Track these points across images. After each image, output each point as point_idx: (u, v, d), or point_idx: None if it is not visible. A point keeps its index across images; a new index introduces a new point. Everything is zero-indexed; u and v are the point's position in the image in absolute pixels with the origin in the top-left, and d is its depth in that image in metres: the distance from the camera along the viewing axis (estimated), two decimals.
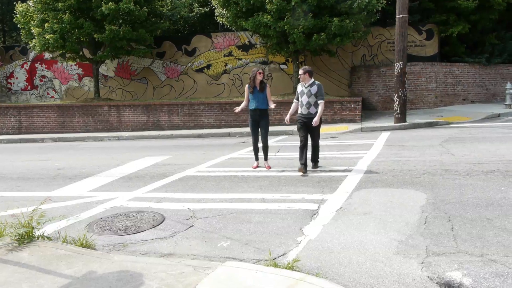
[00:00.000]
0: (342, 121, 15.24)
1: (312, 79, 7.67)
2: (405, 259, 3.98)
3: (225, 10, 16.40)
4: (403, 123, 13.52)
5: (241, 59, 20.42)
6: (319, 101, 7.54)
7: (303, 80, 7.63)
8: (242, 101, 8.88)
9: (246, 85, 8.24)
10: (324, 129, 13.76)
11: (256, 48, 20.15)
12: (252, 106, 8.15)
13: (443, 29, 18.05)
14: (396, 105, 13.59)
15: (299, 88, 7.80)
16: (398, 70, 13.46)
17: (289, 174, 7.69)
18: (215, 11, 17.44)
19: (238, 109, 8.51)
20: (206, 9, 21.63)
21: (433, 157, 8.40)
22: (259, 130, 8.27)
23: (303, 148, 7.69)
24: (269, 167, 8.22)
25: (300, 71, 7.63)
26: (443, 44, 19.13)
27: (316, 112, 7.53)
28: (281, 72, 20.08)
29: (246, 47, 20.34)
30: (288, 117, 7.95)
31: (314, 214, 5.40)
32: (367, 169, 7.69)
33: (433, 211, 5.22)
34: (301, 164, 7.67)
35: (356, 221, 5.06)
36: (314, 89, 7.57)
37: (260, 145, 8.43)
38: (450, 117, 14.72)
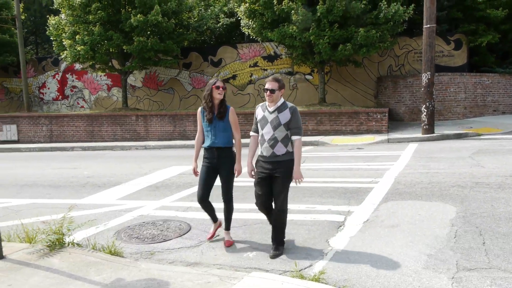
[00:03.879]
0: (368, 132, 15.09)
1: (282, 99, 4.61)
2: (435, 273, 3.89)
3: (251, 21, 16.56)
4: (431, 134, 13.28)
5: (266, 70, 20.52)
6: (294, 137, 4.53)
7: (272, 100, 4.55)
8: None
9: (199, 109, 5.02)
10: (350, 140, 13.67)
11: (281, 58, 20.24)
12: (207, 142, 4.94)
13: (472, 39, 17.73)
14: (424, 116, 13.37)
15: (259, 112, 4.72)
16: (425, 81, 13.27)
17: (315, 185, 7.64)
18: (241, 22, 17.63)
19: (198, 170, 5.13)
20: (232, 20, 21.88)
21: (463, 169, 8.22)
22: (218, 182, 5.02)
23: (262, 209, 4.88)
24: (231, 243, 4.97)
25: (270, 84, 4.52)
26: (472, 54, 18.78)
27: (287, 153, 4.55)
28: (307, 82, 20.07)
29: (271, 58, 20.45)
30: (250, 162, 4.87)
31: (341, 226, 5.35)
32: (394, 180, 7.58)
33: (464, 224, 5.10)
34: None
35: (384, 233, 4.98)
36: (285, 116, 4.50)
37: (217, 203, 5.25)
38: (480, 128, 14.38)
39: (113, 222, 6.02)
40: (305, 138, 14.45)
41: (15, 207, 7.20)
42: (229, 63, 20.98)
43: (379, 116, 15.11)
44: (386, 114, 15.12)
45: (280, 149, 4.54)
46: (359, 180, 7.82)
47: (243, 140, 5.69)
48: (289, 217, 5.78)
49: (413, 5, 15.47)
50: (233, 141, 4.98)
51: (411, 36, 18.66)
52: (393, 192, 6.83)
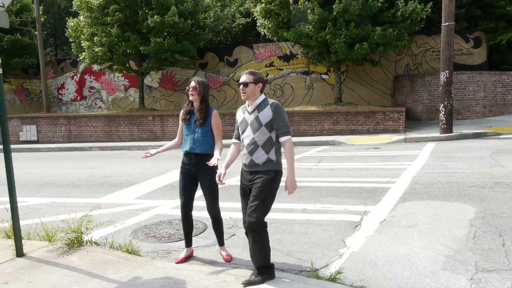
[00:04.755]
0: (385, 131, 14.95)
1: (263, 96, 3.87)
2: (453, 274, 3.84)
3: (267, 21, 16.56)
4: (450, 134, 13.09)
5: (282, 70, 20.50)
6: (284, 138, 3.76)
7: (247, 96, 3.80)
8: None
9: (182, 110, 4.53)
10: (367, 140, 13.56)
11: (297, 58, 20.19)
12: (185, 147, 4.46)
13: (491, 37, 17.44)
14: (442, 115, 13.19)
15: (239, 115, 4.01)
16: (444, 80, 13.09)
17: (331, 185, 7.60)
18: (257, 22, 17.64)
19: (152, 152, 4.50)
20: (248, 20, 21.91)
21: (482, 169, 8.08)
22: (201, 192, 4.46)
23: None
24: (230, 258, 4.49)
25: (244, 76, 3.80)
26: (492, 52, 18.45)
27: (268, 161, 3.79)
28: (323, 82, 19.99)
29: (287, 58, 20.42)
30: (223, 171, 3.91)
31: (357, 226, 5.31)
32: (412, 180, 7.49)
33: (483, 225, 5.01)
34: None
35: (401, 234, 4.93)
36: (265, 114, 3.74)
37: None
38: (500, 127, 14.12)
39: (130, 221, 6.08)
40: (321, 138, 14.42)
41: (35, 205, 7.33)
42: (245, 63, 21.01)
43: (396, 116, 14.96)
44: (403, 114, 14.96)
45: (260, 156, 3.74)
46: (376, 180, 7.75)
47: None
48: (306, 216, 5.79)
49: (431, 2, 15.25)
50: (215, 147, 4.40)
51: (429, 34, 18.42)
52: (410, 192, 6.75)
